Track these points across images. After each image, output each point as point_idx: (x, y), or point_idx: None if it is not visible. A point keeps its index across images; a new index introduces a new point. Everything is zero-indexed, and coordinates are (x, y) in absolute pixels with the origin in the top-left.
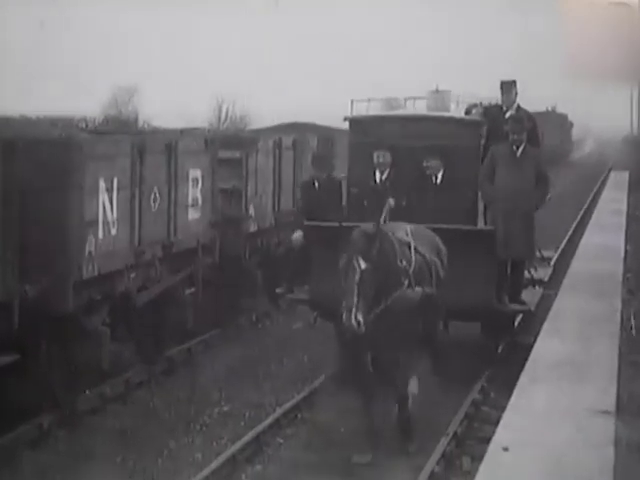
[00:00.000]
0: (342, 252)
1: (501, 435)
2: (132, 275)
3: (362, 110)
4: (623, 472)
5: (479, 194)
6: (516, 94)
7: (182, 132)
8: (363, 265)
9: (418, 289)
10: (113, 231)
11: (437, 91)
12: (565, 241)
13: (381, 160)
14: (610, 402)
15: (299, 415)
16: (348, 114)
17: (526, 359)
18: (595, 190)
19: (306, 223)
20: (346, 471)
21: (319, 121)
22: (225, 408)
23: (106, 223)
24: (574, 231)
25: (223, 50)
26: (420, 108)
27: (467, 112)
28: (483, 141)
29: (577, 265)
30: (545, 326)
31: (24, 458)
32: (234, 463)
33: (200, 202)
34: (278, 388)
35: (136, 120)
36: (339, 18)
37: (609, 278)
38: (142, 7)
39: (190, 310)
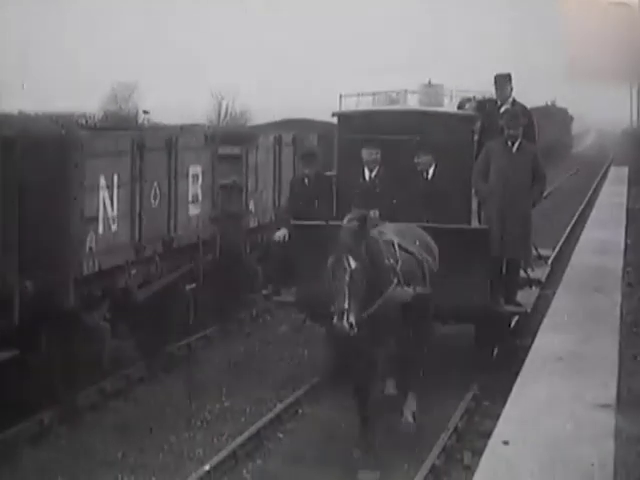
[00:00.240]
0: (330, 251)
1: (501, 429)
2: (133, 271)
3: (352, 105)
4: (623, 465)
5: (473, 191)
6: (511, 88)
7: (182, 128)
8: (353, 264)
9: (409, 289)
10: (113, 227)
11: (429, 85)
12: (563, 238)
13: (371, 157)
14: (610, 396)
15: (300, 410)
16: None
17: (522, 363)
18: (595, 185)
19: (293, 222)
20: (347, 465)
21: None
22: (226, 403)
23: (106, 219)
24: (573, 228)
25: (223, 46)
26: (413, 103)
27: (460, 106)
28: (477, 136)
29: (577, 259)
30: (546, 320)
31: (24, 454)
32: (235, 458)
33: (200, 198)
34: (279, 383)
35: (136, 116)
36: (338, 14)
37: (609, 272)
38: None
39: (191, 306)
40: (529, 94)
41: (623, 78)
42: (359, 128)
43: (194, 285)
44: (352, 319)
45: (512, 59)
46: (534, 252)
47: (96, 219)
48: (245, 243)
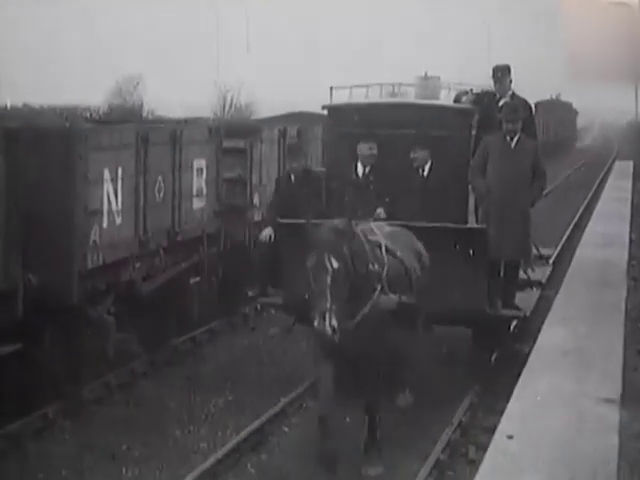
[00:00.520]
0: (310, 250)
1: (506, 423)
2: (137, 264)
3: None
4: (627, 460)
5: (469, 189)
6: (511, 81)
7: (186, 122)
8: (335, 264)
9: (393, 296)
10: (118, 221)
11: (426, 77)
12: (566, 236)
13: (365, 152)
14: (615, 390)
15: (304, 404)
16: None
17: (520, 370)
18: (599, 179)
19: (279, 220)
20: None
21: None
22: (230, 397)
23: (111, 213)
24: (576, 225)
25: (227, 38)
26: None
27: (456, 100)
28: (474, 131)
29: (581, 253)
30: (550, 314)
31: (29, 448)
32: (239, 452)
33: (205, 191)
34: (283, 377)
35: (140, 110)
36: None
37: (614, 266)
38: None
39: (195, 299)
40: (529, 90)
41: (623, 78)
42: (351, 122)
43: (198, 279)
44: (334, 322)
45: (511, 58)
46: (534, 252)
47: (100, 212)
48: (249, 237)
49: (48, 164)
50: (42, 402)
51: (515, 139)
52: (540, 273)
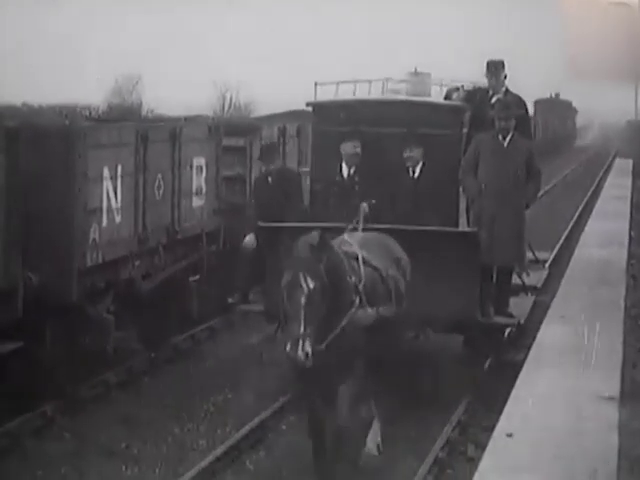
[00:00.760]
0: (285, 267)
1: (505, 421)
2: (136, 263)
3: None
4: (627, 459)
5: (460, 190)
6: (505, 76)
7: (186, 120)
8: (311, 284)
9: (371, 310)
10: (117, 219)
11: (416, 73)
12: (563, 239)
13: (349, 151)
14: (614, 388)
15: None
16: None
17: (514, 380)
18: (599, 178)
19: (260, 224)
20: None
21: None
22: (229, 395)
23: (110, 211)
24: (574, 227)
25: (228, 38)
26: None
27: (447, 96)
28: (466, 129)
29: (581, 251)
30: (549, 312)
31: (28, 446)
32: (238, 450)
33: (204, 190)
34: (282, 375)
35: (140, 108)
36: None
37: (613, 264)
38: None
39: (194, 297)
40: (528, 88)
41: (623, 77)
42: (337, 119)
43: (198, 277)
44: (308, 348)
45: (511, 58)
46: (530, 255)
47: (100, 210)
48: None
49: (48, 162)
50: (42, 400)
51: (508, 137)
52: (535, 278)
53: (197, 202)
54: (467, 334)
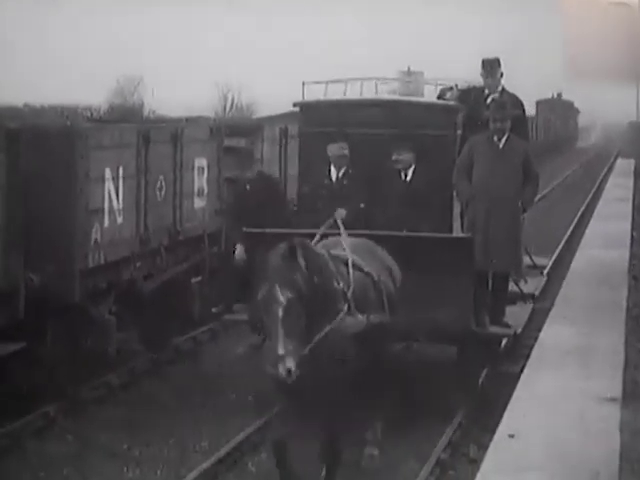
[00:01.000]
0: (261, 280)
1: (507, 422)
2: (138, 264)
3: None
4: (629, 460)
5: (454, 194)
6: (502, 75)
7: (187, 121)
8: (288, 296)
9: (361, 317)
10: (119, 220)
11: (409, 72)
12: (562, 243)
13: (337, 153)
14: (616, 389)
15: None
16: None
17: (511, 393)
18: (600, 179)
19: (245, 230)
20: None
21: None
22: (232, 396)
23: (112, 212)
24: (574, 230)
25: (229, 38)
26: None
27: (440, 96)
28: (460, 131)
29: (583, 252)
30: (552, 313)
31: (30, 447)
32: (241, 451)
33: (206, 191)
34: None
35: (141, 109)
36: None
37: (615, 265)
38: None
39: (196, 299)
40: (525, 88)
41: (623, 78)
42: (325, 120)
43: (200, 278)
44: (290, 364)
45: (510, 58)
46: (528, 261)
47: (101, 211)
48: None
49: (49, 163)
50: (43, 401)
51: (503, 139)
52: (533, 285)
53: (199, 203)
54: (461, 345)
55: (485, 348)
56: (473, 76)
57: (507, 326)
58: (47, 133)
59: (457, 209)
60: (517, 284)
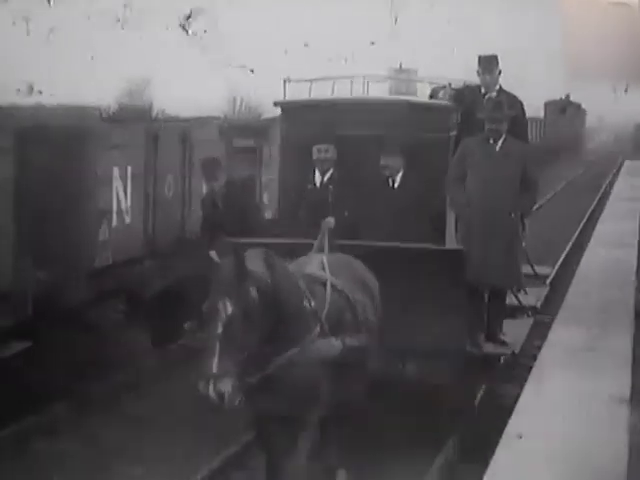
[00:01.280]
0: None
1: (516, 422)
2: (146, 264)
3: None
4: (637, 460)
5: (447, 202)
6: (500, 72)
7: (196, 121)
8: (231, 309)
9: (336, 341)
10: (127, 220)
11: (401, 70)
12: (568, 248)
13: (321, 156)
14: (624, 390)
15: None
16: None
17: (508, 416)
18: (607, 181)
19: (223, 240)
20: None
21: None
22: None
23: (120, 212)
24: (580, 234)
25: (239, 36)
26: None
27: (432, 95)
28: (453, 133)
29: (591, 252)
30: (560, 314)
31: (38, 446)
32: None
33: None
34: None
35: (150, 109)
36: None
37: (623, 265)
38: None
39: (204, 298)
40: (521, 89)
41: (623, 78)
42: (308, 121)
43: None
44: (224, 387)
45: (510, 56)
46: (529, 270)
47: (110, 211)
48: None
49: (58, 163)
50: (50, 400)
51: (500, 142)
52: (534, 297)
53: None
54: (453, 365)
55: (478, 368)
56: (467, 74)
57: (504, 344)
58: (56, 133)
59: (451, 218)
60: (516, 296)
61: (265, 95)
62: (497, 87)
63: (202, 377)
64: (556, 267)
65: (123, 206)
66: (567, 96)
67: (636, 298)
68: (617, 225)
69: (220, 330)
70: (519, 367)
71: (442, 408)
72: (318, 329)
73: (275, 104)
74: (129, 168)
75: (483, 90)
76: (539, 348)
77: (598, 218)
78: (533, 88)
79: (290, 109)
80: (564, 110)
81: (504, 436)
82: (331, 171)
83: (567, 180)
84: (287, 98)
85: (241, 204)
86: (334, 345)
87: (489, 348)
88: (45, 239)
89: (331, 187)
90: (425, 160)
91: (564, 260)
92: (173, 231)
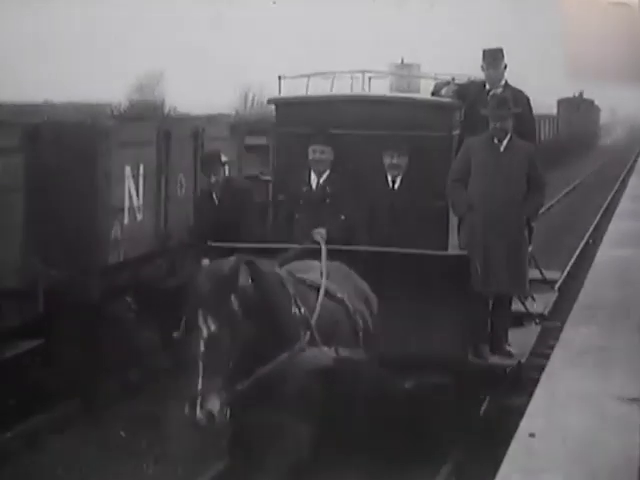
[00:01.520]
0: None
1: (528, 421)
2: (158, 261)
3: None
4: None
5: (449, 204)
6: (505, 67)
7: (208, 118)
8: (213, 326)
9: (328, 350)
10: (139, 217)
11: (402, 65)
12: (580, 249)
13: (316, 157)
14: (637, 389)
15: None
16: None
17: (514, 432)
18: (621, 179)
19: (213, 244)
20: None
21: None
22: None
23: (132, 209)
24: (593, 233)
25: (253, 35)
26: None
27: (435, 92)
28: (456, 131)
29: (604, 251)
30: (572, 313)
31: (49, 444)
32: None
33: None
34: None
35: (162, 106)
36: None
37: (636, 263)
38: None
39: None
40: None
41: (623, 78)
42: (304, 119)
43: None
44: (212, 405)
45: (510, 57)
46: (538, 275)
47: (121, 209)
48: None
49: (70, 160)
50: (61, 398)
51: (505, 141)
52: (542, 303)
53: None
54: (456, 377)
55: (483, 380)
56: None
57: (509, 354)
58: (67, 130)
59: (455, 221)
60: (523, 303)
61: (277, 92)
62: (502, 82)
63: (187, 399)
64: (565, 271)
65: (135, 203)
66: (581, 93)
67: None
68: (630, 223)
69: (202, 349)
70: (525, 378)
71: (444, 423)
72: (308, 337)
73: (269, 101)
74: (141, 165)
75: (488, 86)
76: (547, 357)
77: (611, 217)
78: (533, 88)
79: (285, 106)
80: (578, 107)
81: (516, 435)
82: (327, 172)
83: (580, 179)
84: (283, 95)
85: (238, 202)
86: (325, 355)
87: (494, 359)
88: (57, 236)
89: (329, 189)
90: (426, 160)
91: (574, 263)
92: (185, 228)
